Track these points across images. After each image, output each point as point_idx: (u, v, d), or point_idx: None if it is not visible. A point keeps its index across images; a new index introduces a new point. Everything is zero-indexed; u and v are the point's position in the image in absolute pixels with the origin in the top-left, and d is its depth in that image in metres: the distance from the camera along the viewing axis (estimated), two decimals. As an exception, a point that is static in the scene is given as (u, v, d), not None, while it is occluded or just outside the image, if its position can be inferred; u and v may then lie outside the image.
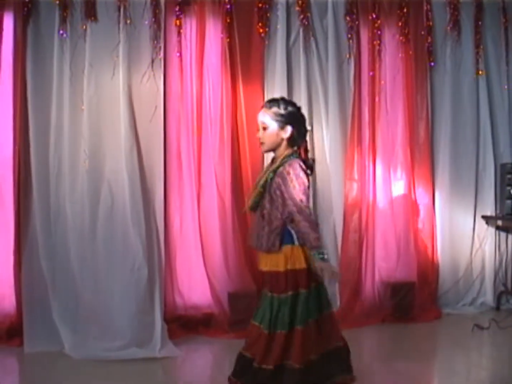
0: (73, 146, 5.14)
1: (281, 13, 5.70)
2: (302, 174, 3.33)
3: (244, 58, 5.58)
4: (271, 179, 3.38)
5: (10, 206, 5.20)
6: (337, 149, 5.82)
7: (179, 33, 5.45)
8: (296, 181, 3.30)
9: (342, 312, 5.62)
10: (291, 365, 3.37)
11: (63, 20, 5.17)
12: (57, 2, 5.16)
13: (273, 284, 3.43)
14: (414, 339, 5.45)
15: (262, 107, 3.48)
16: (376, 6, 5.91)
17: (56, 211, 5.14)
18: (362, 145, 5.86)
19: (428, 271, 6.07)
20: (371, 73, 5.92)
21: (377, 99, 5.93)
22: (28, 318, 5.04)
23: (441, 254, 6.20)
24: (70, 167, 5.13)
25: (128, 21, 5.23)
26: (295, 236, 3.37)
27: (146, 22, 5.28)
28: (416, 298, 5.93)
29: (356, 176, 5.83)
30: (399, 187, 6.02)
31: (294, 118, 3.43)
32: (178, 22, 5.44)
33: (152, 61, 5.27)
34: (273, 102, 3.46)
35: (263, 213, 3.41)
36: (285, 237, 3.39)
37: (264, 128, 3.43)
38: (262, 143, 3.48)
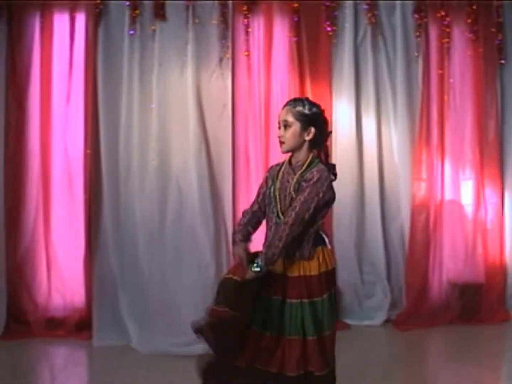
0: (142, 145, 5.22)
1: (348, 11, 5.66)
2: (327, 183, 3.11)
3: (312, 57, 5.57)
4: (299, 186, 3.13)
5: (81, 204, 5.32)
6: (405, 148, 5.75)
7: (247, 32, 5.47)
8: (311, 187, 3.08)
9: (408, 313, 5.57)
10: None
11: (133, 21, 5.25)
12: (128, 3, 5.24)
13: (304, 289, 3.17)
14: (481, 342, 5.36)
15: (285, 105, 3.25)
16: (445, 3, 5.81)
17: (125, 208, 5.23)
18: (430, 144, 5.77)
19: (496, 273, 5.94)
20: (439, 71, 5.82)
21: (445, 97, 5.83)
22: (98, 312, 5.15)
23: (510, 255, 6.05)
24: (139, 165, 5.21)
25: (197, 21, 5.28)
26: (326, 239, 3.24)
27: (214, 22, 5.32)
28: (483, 299, 5.83)
29: (424, 176, 5.75)
30: (467, 187, 5.91)
31: (318, 120, 3.23)
32: (246, 21, 5.46)
33: (220, 60, 5.30)
34: (298, 101, 3.26)
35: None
36: (317, 241, 3.21)
37: (286, 127, 3.21)
38: (282, 142, 3.23)
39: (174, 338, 4.98)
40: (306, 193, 3.06)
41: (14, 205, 5.30)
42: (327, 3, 5.58)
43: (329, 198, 3.14)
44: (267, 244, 3.09)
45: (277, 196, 3.20)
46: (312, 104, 3.23)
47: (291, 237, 3.05)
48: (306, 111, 3.17)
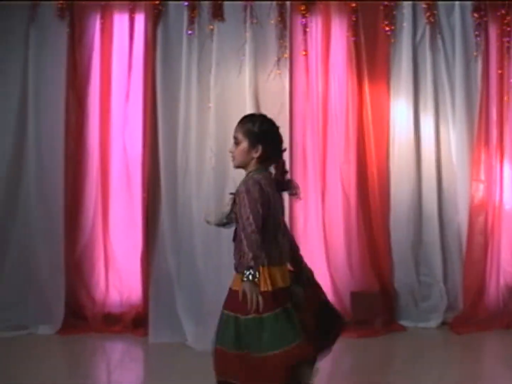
0: (200, 144, 5.25)
1: (407, 11, 5.60)
2: (254, 188, 3.01)
3: (370, 57, 5.53)
4: (233, 200, 3.13)
5: (138, 203, 5.39)
6: (463, 149, 5.66)
7: (304, 32, 5.46)
8: (246, 198, 3.00)
9: (465, 316, 5.52)
10: None
11: (191, 21, 5.30)
12: (186, 4, 5.27)
13: (233, 302, 3.09)
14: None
15: (239, 121, 3.22)
16: (506, 2, 5.69)
17: (182, 207, 5.27)
18: (489, 145, 5.67)
19: (555, 276, 5.83)
20: (499, 71, 5.70)
21: (505, 98, 5.70)
22: (154, 309, 5.19)
23: None
24: (197, 164, 5.24)
25: (254, 21, 5.29)
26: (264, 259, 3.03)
27: (272, 21, 5.32)
28: (542, 304, 5.70)
29: (482, 177, 5.65)
30: (527, 188, 5.80)
31: (267, 137, 3.14)
32: (304, 20, 5.46)
33: (278, 60, 5.30)
34: (248, 118, 3.24)
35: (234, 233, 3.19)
36: None
37: (236, 143, 3.19)
38: (233, 158, 3.24)
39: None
40: (246, 203, 2.98)
41: (73, 203, 5.40)
42: (385, 3, 5.53)
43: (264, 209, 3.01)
44: (253, 256, 2.93)
45: (231, 208, 3.15)
46: (263, 122, 3.17)
47: (246, 236, 2.96)
48: (255, 129, 3.11)
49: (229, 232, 5.09)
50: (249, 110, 5.18)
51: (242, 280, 2.94)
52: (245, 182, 3.08)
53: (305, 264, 3.37)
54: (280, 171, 3.19)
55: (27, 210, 5.40)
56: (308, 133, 5.48)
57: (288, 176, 3.22)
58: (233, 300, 3.05)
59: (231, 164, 5.01)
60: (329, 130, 5.49)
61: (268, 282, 3.02)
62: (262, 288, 2.98)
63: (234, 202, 3.09)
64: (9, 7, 5.33)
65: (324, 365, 4.82)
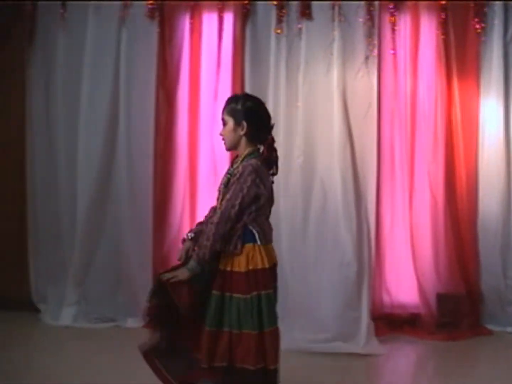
0: (287, 142, 5.26)
1: (498, 8, 5.45)
2: (250, 176, 3.10)
3: (459, 55, 5.43)
4: (228, 181, 3.22)
5: (226, 200, 5.42)
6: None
7: (393, 30, 5.41)
8: (238, 182, 3.10)
9: None
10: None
11: (280, 20, 5.31)
12: (275, 3, 5.29)
13: (228, 283, 3.15)
14: None
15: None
16: None
17: (271, 205, 5.29)
18: None
19: None
20: None
21: None
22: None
23: None
24: (285, 162, 5.19)
25: (342, 19, 5.26)
26: (257, 235, 3.17)
27: (360, 20, 5.27)
28: None
29: None
30: None
31: (252, 114, 3.23)
32: (392, 19, 5.40)
33: (366, 58, 5.26)
34: (232, 98, 3.35)
35: None
36: (246, 237, 3.16)
37: (224, 125, 3.29)
38: (223, 140, 3.33)
39: (312, 334, 5.02)
40: (231, 191, 3.09)
41: (162, 200, 5.50)
42: (476, 0, 5.43)
43: (256, 193, 3.11)
44: (198, 244, 3.13)
45: (219, 191, 3.30)
46: (246, 99, 3.27)
47: (218, 235, 3.05)
48: (238, 107, 3.21)
49: (314, 229, 5.16)
50: (337, 109, 5.19)
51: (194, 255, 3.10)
52: (244, 166, 3.13)
53: None
54: (268, 148, 3.25)
55: (117, 207, 5.53)
56: (395, 133, 5.43)
57: (275, 154, 3.28)
58: (224, 280, 3.13)
59: (319, 164, 5.16)
60: (417, 129, 5.43)
61: (266, 259, 3.16)
62: (261, 266, 3.12)
63: (227, 184, 3.20)
64: (101, 8, 5.45)
65: (408, 368, 4.86)
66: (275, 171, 3.30)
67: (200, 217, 5.33)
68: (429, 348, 5.16)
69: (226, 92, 5.41)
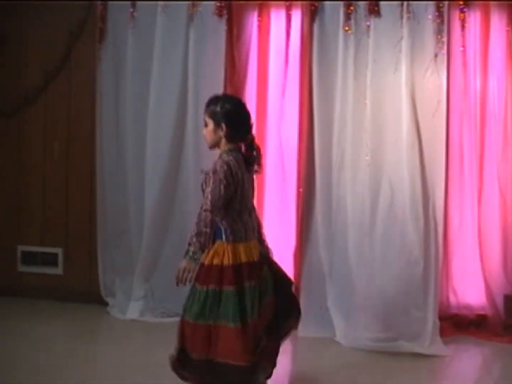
0: (355, 139, 5.24)
1: None
2: (220, 169, 3.29)
3: (531, 53, 5.34)
4: (204, 179, 3.41)
5: (293, 197, 5.46)
6: None
7: (462, 27, 5.33)
8: (212, 177, 3.30)
9: None
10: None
11: (348, 17, 5.29)
12: (342, 1, 5.28)
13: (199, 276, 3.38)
14: None
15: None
16: None
17: (337, 202, 5.30)
18: None
19: None
20: None
21: None
22: (305, 303, 5.16)
23: None
24: (352, 159, 5.24)
25: (411, 16, 5.21)
26: (223, 233, 3.37)
27: (429, 17, 5.21)
28: None
29: None
30: None
31: (230, 116, 3.41)
32: (462, 15, 5.33)
33: (435, 56, 5.19)
34: (212, 100, 3.51)
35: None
36: (217, 234, 3.36)
37: (205, 126, 3.49)
38: (206, 140, 3.55)
39: (377, 333, 5.01)
40: (211, 183, 3.27)
41: (230, 196, 5.52)
42: (550, -5, 5.33)
43: (226, 191, 3.27)
44: (196, 233, 3.24)
45: (202, 186, 3.43)
46: (225, 101, 3.47)
47: (214, 222, 3.26)
48: (217, 109, 3.40)
49: (382, 227, 5.14)
50: (405, 107, 5.14)
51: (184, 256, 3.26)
52: (215, 162, 3.37)
53: (264, 242, 3.69)
54: (248, 146, 3.49)
55: (184, 203, 5.59)
56: (465, 131, 5.36)
57: (256, 152, 3.50)
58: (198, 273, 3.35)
59: (387, 162, 5.15)
60: (486, 128, 5.35)
61: (230, 257, 3.33)
62: (224, 262, 3.32)
63: (205, 181, 3.38)
64: (170, 7, 5.52)
65: (473, 370, 4.81)
66: (258, 169, 3.54)
67: (267, 213, 5.45)
68: (495, 351, 5.10)
69: (294, 89, 5.46)
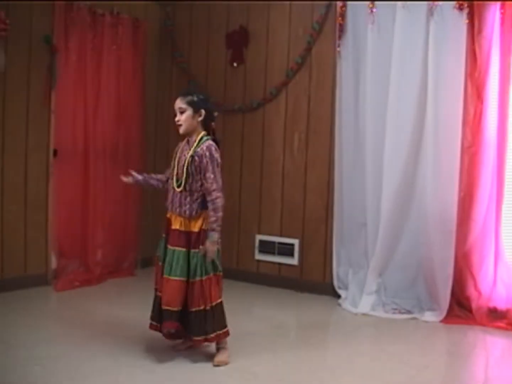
0: None
1: None
2: (216, 155, 3.98)
3: None
4: (192, 159, 3.95)
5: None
6: None
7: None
8: (211, 162, 3.95)
9: None
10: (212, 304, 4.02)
11: None
12: None
13: (190, 241, 4.00)
14: None
15: (178, 97, 4.05)
16: None
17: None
18: None
19: None
20: None
21: None
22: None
23: None
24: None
25: None
26: (205, 203, 4.00)
27: None
28: None
29: None
30: None
31: (205, 104, 4.06)
32: None
33: None
34: (188, 92, 4.08)
35: (185, 187, 3.98)
36: (203, 205, 3.98)
37: (181, 113, 4.00)
38: (180, 125, 4.03)
39: None
40: (210, 168, 3.94)
41: (467, 195, 5.40)
42: None
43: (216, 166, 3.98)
44: (215, 219, 3.94)
45: (175, 166, 4.08)
46: (199, 93, 4.09)
47: (220, 197, 3.96)
48: (195, 98, 4.02)
49: None
50: None
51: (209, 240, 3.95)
52: (207, 147, 3.97)
53: None
54: (213, 132, 4.14)
55: (422, 199, 5.56)
56: None
57: (217, 138, 4.14)
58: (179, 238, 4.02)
59: None
60: None
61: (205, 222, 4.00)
62: (205, 227, 3.99)
63: (191, 162, 3.95)
64: (409, 1, 5.50)
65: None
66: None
67: (507, 214, 5.23)
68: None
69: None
